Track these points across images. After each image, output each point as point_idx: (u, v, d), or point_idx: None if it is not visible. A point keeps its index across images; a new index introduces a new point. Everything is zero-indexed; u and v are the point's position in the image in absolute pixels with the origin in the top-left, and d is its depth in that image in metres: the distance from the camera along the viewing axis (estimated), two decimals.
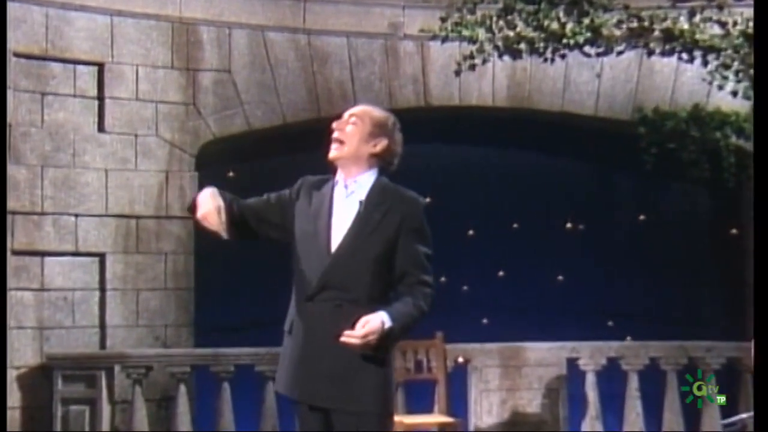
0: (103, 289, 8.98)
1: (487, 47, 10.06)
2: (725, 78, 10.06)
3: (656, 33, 10.09)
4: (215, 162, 9.54)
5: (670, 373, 8.90)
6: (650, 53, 10.13)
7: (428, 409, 8.40)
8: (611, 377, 9.01)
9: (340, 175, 4.34)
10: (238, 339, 8.99)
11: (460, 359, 8.84)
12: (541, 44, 10.07)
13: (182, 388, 8.52)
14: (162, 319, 9.21)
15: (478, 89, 10.09)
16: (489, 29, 10.06)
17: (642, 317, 10.25)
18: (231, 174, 9.62)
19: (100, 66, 9.05)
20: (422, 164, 9.09)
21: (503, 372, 8.91)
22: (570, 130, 10.37)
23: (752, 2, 8.45)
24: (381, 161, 4.33)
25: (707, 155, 10.01)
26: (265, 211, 4.37)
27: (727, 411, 8.22)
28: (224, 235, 4.26)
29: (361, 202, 4.25)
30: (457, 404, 8.70)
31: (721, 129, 9.97)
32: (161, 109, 9.28)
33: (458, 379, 8.81)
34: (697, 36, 10.03)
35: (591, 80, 10.14)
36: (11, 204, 8.47)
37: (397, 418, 7.36)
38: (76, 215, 8.89)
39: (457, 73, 10.07)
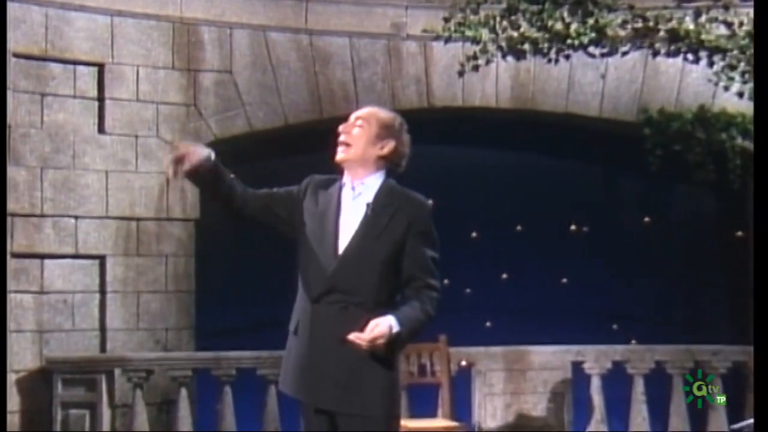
0: (103, 291, 8.94)
1: (491, 48, 10.01)
2: (731, 79, 10.00)
3: (661, 33, 10.04)
4: None
5: (676, 377, 8.83)
6: (655, 54, 10.07)
7: (432, 413, 8.36)
8: (617, 381, 8.94)
9: (347, 177, 4.32)
10: (239, 341, 8.94)
11: (464, 363, 8.78)
12: (545, 45, 10.02)
13: (183, 392, 8.47)
14: (163, 322, 9.17)
15: (481, 90, 10.04)
16: (492, 29, 10.01)
17: (647, 320, 10.21)
18: (232, 175, 9.53)
19: (101, 66, 9.01)
20: (425, 166, 8.97)
21: (507, 375, 8.85)
22: (574, 131, 10.32)
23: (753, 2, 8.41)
24: (388, 163, 4.31)
25: (713, 157, 9.95)
26: (275, 204, 4.38)
27: (734, 415, 8.18)
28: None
29: (368, 205, 4.23)
30: (461, 408, 8.65)
31: (727, 130, 9.91)
32: (162, 110, 9.24)
33: (462, 383, 8.76)
34: (703, 36, 9.98)
35: (595, 81, 10.08)
36: (11, 206, 8.42)
37: (400, 422, 7.29)
38: (76, 217, 8.84)
39: (461, 73, 10.01)
